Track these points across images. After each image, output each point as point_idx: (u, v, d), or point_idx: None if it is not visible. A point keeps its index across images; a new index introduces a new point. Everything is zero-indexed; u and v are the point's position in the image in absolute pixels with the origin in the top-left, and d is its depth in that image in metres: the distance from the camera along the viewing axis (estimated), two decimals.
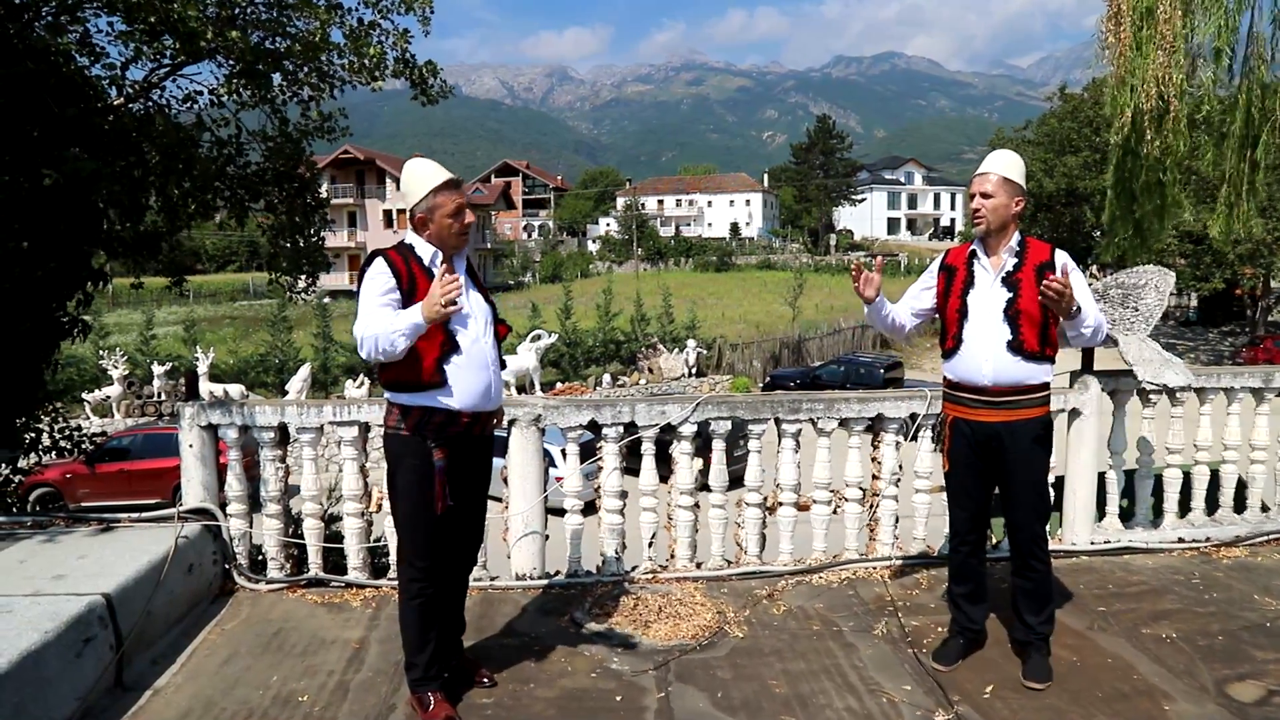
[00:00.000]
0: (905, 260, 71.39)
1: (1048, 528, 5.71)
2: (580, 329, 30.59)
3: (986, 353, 3.88)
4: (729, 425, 5.20)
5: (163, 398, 24.16)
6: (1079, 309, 3.68)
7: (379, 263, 3.49)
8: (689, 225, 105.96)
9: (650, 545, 5.29)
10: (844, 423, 5.31)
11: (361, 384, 25.46)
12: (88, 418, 23.89)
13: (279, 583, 5.14)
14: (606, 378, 28.41)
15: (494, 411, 3.78)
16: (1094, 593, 4.99)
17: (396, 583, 3.77)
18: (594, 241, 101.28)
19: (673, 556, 5.34)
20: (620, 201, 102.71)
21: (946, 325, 4.06)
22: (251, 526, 5.26)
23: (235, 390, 24.59)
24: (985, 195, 3.86)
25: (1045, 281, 3.58)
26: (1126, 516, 5.83)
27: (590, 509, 5.31)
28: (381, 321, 3.35)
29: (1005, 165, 3.89)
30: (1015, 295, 3.83)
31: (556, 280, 63.38)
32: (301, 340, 28.94)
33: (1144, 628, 4.51)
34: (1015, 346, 3.83)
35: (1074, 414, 5.46)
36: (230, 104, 6.91)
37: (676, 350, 30.53)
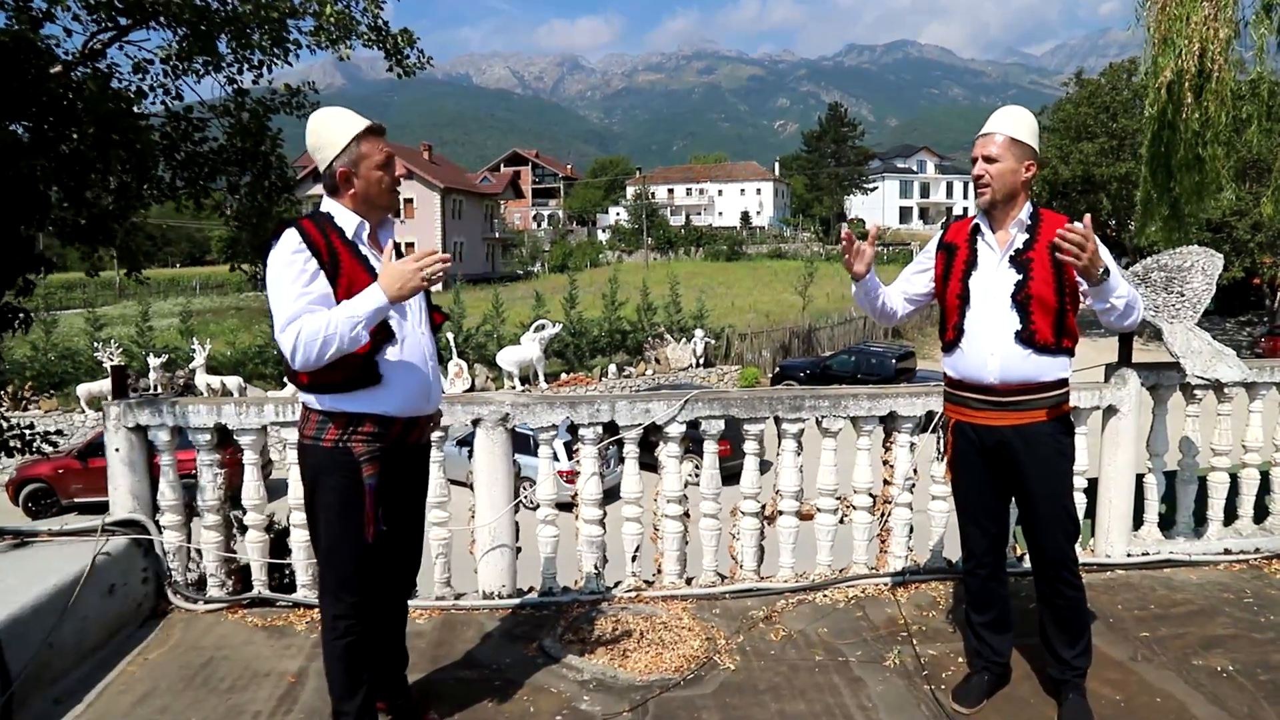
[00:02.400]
0: (917, 249, 70.48)
1: (1078, 539, 5.18)
2: (586, 319, 29.99)
3: (992, 345, 3.28)
4: (721, 425, 4.63)
5: (159, 390, 23.68)
6: (1107, 271, 3.00)
7: (290, 237, 2.83)
8: (699, 214, 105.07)
9: (634, 560, 4.72)
10: (852, 422, 4.74)
11: None
12: (82, 411, 23.46)
13: (219, 602, 4.60)
14: (612, 368, 27.78)
15: (431, 416, 3.21)
16: (1134, 614, 4.40)
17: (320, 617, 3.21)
18: (604, 231, 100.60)
19: (659, 571, 4.78)
20: (630, 190, 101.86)
21: (946, 313, 3.46)
22: (191, 539, 4.72)
23: (233, 382, 24.13)
24: (989, 159, 3.26)
25: (1060, 230, 2.89)
26: (1165, 524, 5.24)
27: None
28: (324, 316, 2.73)
29: (1012, 123, 3.27)
30: (1026, 277, 3.23)
31: (566, 270, 62.83)
32: None
33: (1195, 658, 3.93)
34: (1026, 338, 3.23)
35: (1110, 412, 4.87)
36: (183, 72, 6.32)
37: (684, 340, 29.91)
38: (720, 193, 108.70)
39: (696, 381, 27.77)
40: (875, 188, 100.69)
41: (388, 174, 2.99)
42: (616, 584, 4.75)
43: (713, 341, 30.39)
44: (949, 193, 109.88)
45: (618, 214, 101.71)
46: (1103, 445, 4.95)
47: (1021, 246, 3.28)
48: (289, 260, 2.80)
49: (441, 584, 4.65)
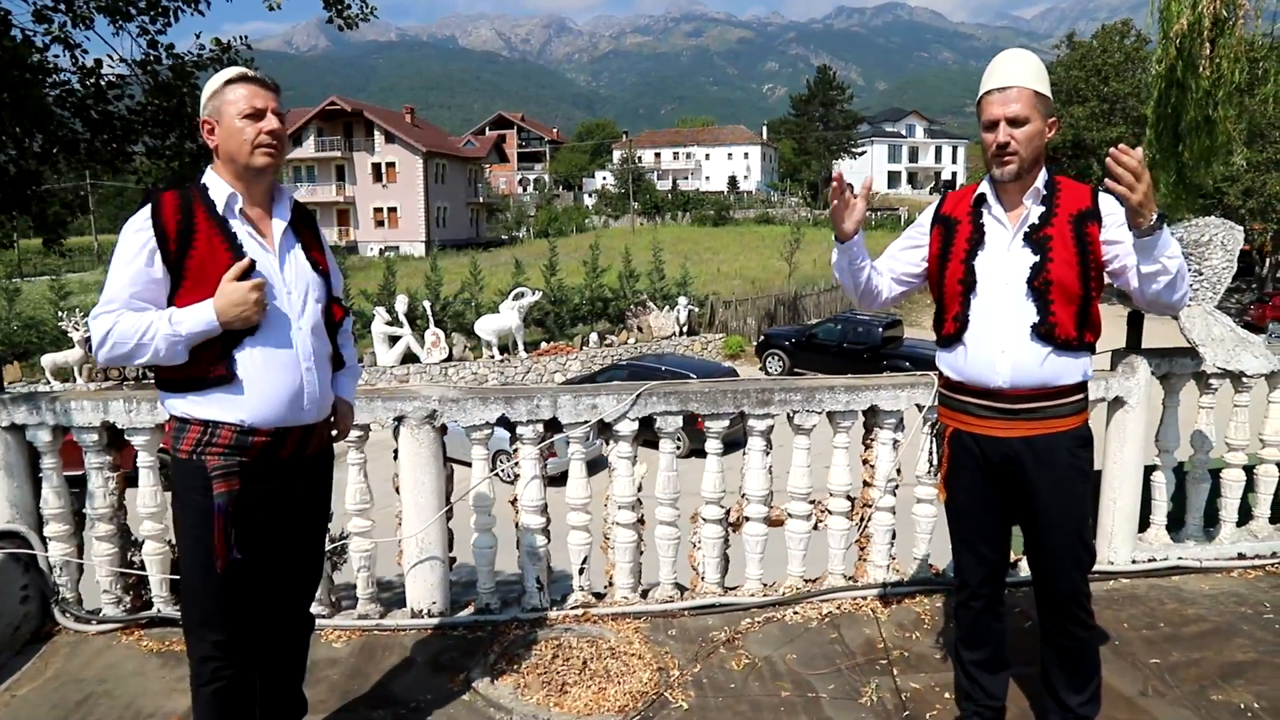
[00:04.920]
0: (905, 214, 69.74)
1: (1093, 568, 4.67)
2: (567, 286, 29.31)
3: (1003, 341, 2.71)
4: (678, 421, 4.09)
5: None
6: (1161, 219, 2.44)
7: (142, 211, 2.43)
8: (686, 179, 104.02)
9: (581, 573, 4.20)
10: (829, 417, 4.20)
11: None
12: (48, 382, 22.78)
13: (113, 623, 4.08)
14: (594, 336, 27.17)
15: (315, 426, 2.66)
16: (1143, 635, 3.91)
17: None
18: (590, 195, 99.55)
19: (611, 584, 4.26)
20: (616, 155, 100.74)
21: (945, 302, 2.88)
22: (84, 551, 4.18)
23: None
24: (1015, 121, 2.61)
25: (1115, 151, 2.34)
26: (1173, 524, 4.75)
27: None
28: (145, 318, 2.36)
29: (1031, 73, 2.64)
30: (1044, 258, 2.66)
31: (548, 235, 61.98)
32: None
33: (1214, 691, 3.44)
34: (1044, 332, 2.67)
35: (1116, 404, 4.35)
36: (86, 18, 5.67)
37: (667, 308, 29.32)
38: (707, 157, 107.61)
39: (680, 351, 27.23)
40: (864, 152, 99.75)
41: (253, 124, 2.46)
42: (565, 597, 4.24)
43: (696, 309, 29.80)
44: (938, 157, 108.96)
45: (604, 178, 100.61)
46: (1107, 441, 4.43)
47: (1038, 221, 2.70)
48: (130, 238, 2.41)
49: (365, 600, 4.13)
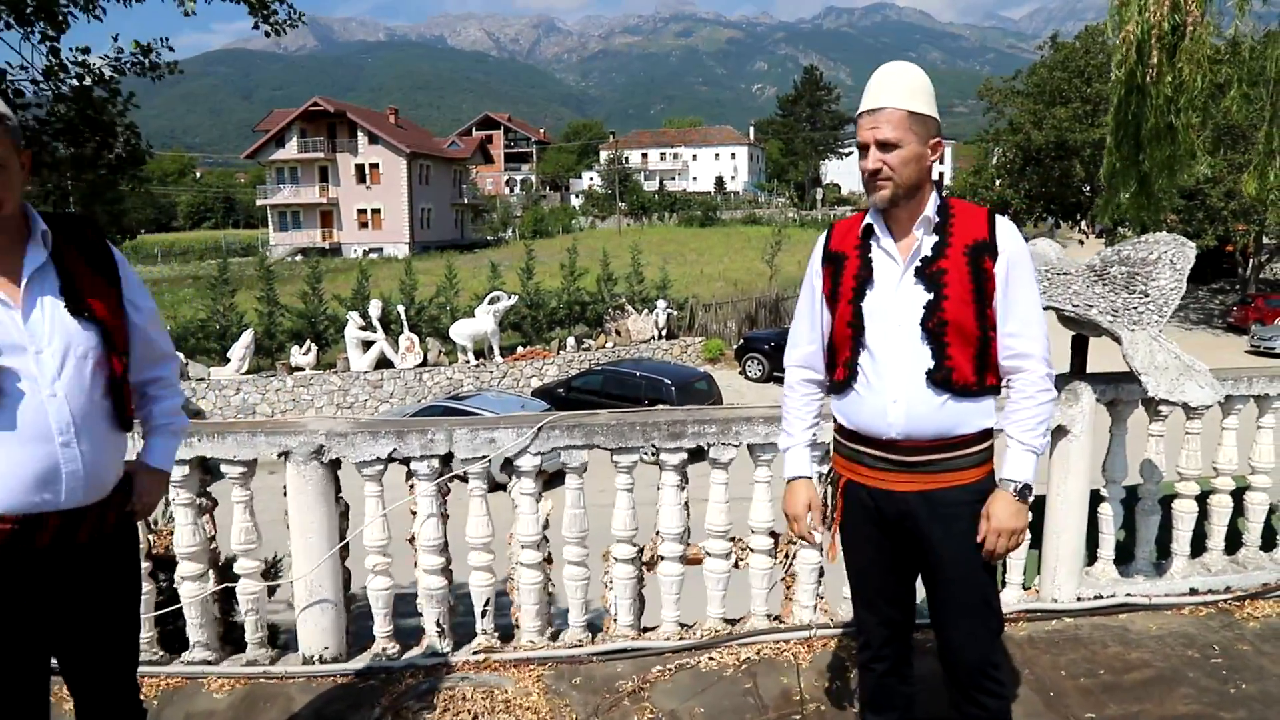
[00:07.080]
0: None
1: (1022, 577, 4.43)
2: (544, 289, 28.93)
3: (896, 389, 2.42)
4: (585, 455, 3.82)
5: None
6: (1026, 488, 2.49)
7: None
8: (673, 179, 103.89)
9: (484, 615, 3.93)
10: (749, 449, 3.94)
11: (309, 350, 23.97)
12: None
13: None
14: (571, 341, 26.85)
15: (86, 510, 2.23)
16: (1080, 683, 3.65)
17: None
18: (577, 196, 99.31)
19: (517, 626, 3.98)
20: (604, 155, 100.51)
21: (835, 345, 2.58)
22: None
23: None
24: (885, 145, 2.34)
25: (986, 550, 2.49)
26: (1122, 556, 4.50)
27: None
28: None
29: (906, 91, 2.35)
30: (938, 296, 2.37)
31: (537, 236, 61.50)
32: (245, 304, 27.01)
33: None
34: (940, 379, 2.39)
35: (1060, 432, 4.09)
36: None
37: (646, 311, 28.99)
38: (695, 157, 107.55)
39: (658, 355, 26.98)
40: (850, 152, 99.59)
41: None
42: (471, 639, 3.97)
43: (675, 313, 29.50)
44: None
45: (591, 179, 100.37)
46: (1050, 471, 4.18)
47: (930, 253, 2.41)
48: None
49: (254, 645, 3.86)
